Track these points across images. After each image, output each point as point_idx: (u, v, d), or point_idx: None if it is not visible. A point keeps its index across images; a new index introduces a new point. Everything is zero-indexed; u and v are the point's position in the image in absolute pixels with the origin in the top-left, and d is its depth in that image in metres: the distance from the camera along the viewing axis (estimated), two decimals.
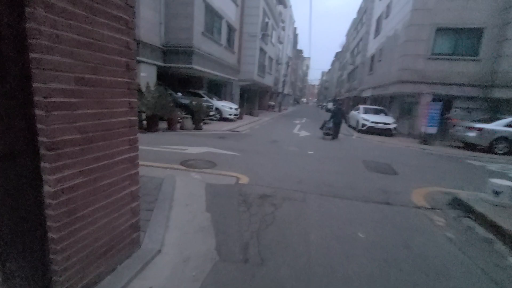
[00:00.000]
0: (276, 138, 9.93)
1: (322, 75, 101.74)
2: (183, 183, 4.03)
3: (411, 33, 13.09)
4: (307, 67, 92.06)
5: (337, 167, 6.08)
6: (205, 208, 3.26)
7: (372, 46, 21.99)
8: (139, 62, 9.88)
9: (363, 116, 14.14)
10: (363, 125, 13.76)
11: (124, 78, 1.81)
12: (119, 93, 1.78)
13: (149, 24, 10.08)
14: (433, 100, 12.57)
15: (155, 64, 10.76)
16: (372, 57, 21.51)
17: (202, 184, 4.14)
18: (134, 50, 1.88)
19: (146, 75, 10.15)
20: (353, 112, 16.67)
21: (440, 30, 12.74)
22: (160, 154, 5.85)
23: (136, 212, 2.08)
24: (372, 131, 13.45)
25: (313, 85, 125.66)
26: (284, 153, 7.21)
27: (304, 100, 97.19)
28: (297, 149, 7.89)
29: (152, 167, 4.76)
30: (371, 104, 19.96)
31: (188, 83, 15.79)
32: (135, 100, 1.94)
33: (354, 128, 15.22)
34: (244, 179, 4.54)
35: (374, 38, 21.45)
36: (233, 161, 5.78)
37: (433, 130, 11.49)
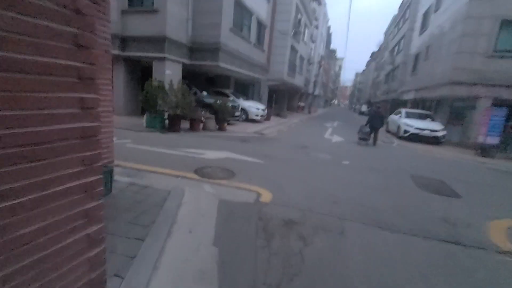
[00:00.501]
0: (306, 143, 8.99)
1: (356, 76, 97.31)
2: (192, 198, 3.36)
3: (469, 27, 11.28)
4: (340, 67, 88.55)
5: (380, 183, 5.03)
6: (212, 239, 2.53)
7: (417, 44, 19.91)
8: (164, 59, 9.56)
9: (406, 121, 12.58)
10: (406, 131, 12.21)
11: (70, 60, 1.12)
12: (60, 85, 1.10)
13: (175, 20, 9.72)
14: (493, 105, 10.70)
15: (180, 62, 10.40)
16: (417, 55, 19.46)
17: (215, 200, 3.43)
18: (91, 18, 1.19)
19: (171, 73, 9.81)
20: (393, 116, 15.04)
21: (506, 23, 10.80)
22: (175, 158, 5.28)
23: (97, 263, 1.40)
24: (416, 138, 11.88)
25: (345, 87, 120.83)
26: (315, 162, 6.29)
27: (335, 102, 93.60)
28: (329, 157, 6.91)
29: (162, 175, 4.18)
30: (412, 108, 17.99)
31: (215, 82, 15.39)
32: (95, 97, 1.25)
33: (394, 134, 13.66)
34: (266, 196, 3.76)
35: (420, 34, 19.37)
36: (255, 170, 5.02)
37: (494, 140, 9.72)
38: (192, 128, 8.93)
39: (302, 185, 4.43)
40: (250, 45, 13.70)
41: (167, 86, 8.47)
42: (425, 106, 17.71)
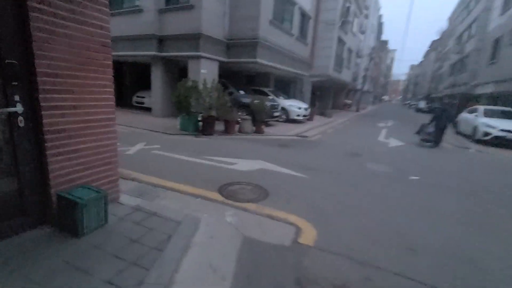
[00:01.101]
0: (357, 149, 7.59)
1: (411, 69, 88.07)
2: (207, 235, 2.50)
3: None
4: (392, 60, 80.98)
5: (472, 213, 3.57)
6: None
7: (497, 26, 16.40)
8: (199, 57, 9.05)
9: (486, 121, 10.12)
10: (486, 133, 9.81)
11: None
12: None
13: (211, 15, 9.13)
14: None
15: (216, 60, 9.81)
16: (497, 40, 16.03)
17: (237, 238, 2.53)
18: None
19: (207, 72, 9.26)
20: (465, 115, 12.44)
21: None
22: (201, 169, 4.55)
23: None
24: (500, 143, 9.45)
25: (398, 81, 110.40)
26: (372, 177, 4.98)
27: (386, 97, 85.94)
28: (390, 170, 5.50)
29: (179, 194, 3.43)
30: (488, 104, 14.80)
31: (254, 80, 14.62)
32: None
33: (468, 137, 11.20)
34: (308, 233, 2.72)
35: (501, 14, 15.89)
36: (294, 188, 4.00)
37: None
38: (227, 130, 8.23)
39: (358, 215, 3.27)
40: (292, 39, 12.56)
41: (201, 86, 7.91)
42: (508, 102, 14.41)
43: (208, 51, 9.26)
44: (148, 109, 12.07)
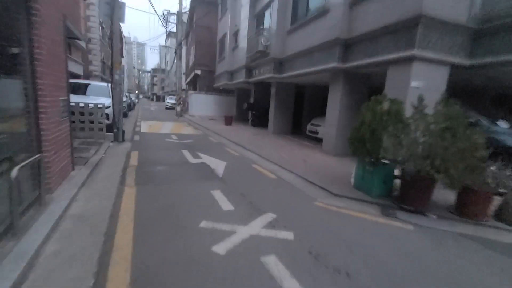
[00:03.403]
0: None
1: None
2: None
3: None
4: None
5: None
6: None
7: None
8: (411, 60, 5.02)
9: None
10: None
11: None
12: None
13: None
14: None
15: (446, 62, 5.28)
16: None
17: None
18: None
19: (422, 85, 5.03)
20: None
21: None
22: None
23: None
24: None
25: None
26: None
27: None
28: None
29: None
30: None
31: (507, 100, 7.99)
32: None
33: None
34: None
35: None
36: None
37: None
38: (464, 209, 3.56)
39: None
40: None
41: (408, 110, 3.94)
42: None
43: (432, 47, 5.02)
44: (321, 141, 9.47)
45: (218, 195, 3.81)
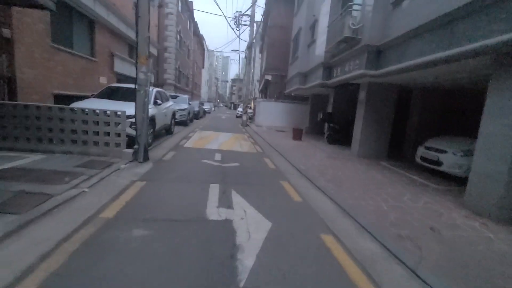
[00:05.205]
0: None
1: None
2: None
3: None
4: None
5: None
6: None
7: None
8: None
9: None
10: None
11: None
12: None
13: None
14: None
15: None
16: None
17: None
18: None
19: None
20: None
21: None
22: None
23: None
24: None
25: None
26: None
27: None
28: None
29: None
30: None
31: None
32: None
33: None
34: None
35: None
36: None
37: None
38: None
39: None
40: None
41: None
42: None
43: None
44: (448, 178, 5.69)
45: None
